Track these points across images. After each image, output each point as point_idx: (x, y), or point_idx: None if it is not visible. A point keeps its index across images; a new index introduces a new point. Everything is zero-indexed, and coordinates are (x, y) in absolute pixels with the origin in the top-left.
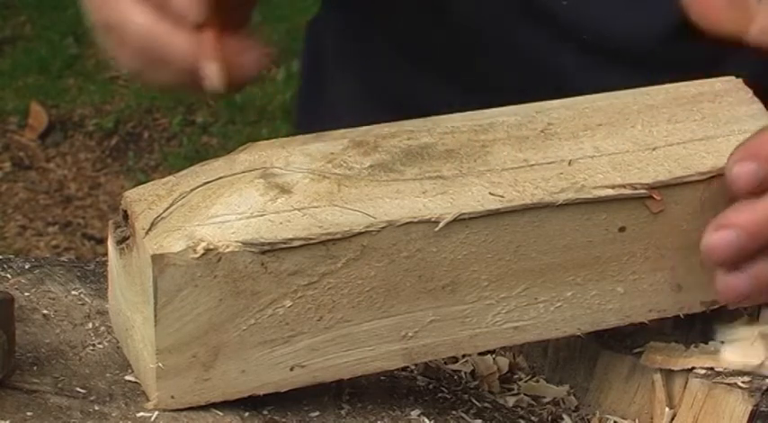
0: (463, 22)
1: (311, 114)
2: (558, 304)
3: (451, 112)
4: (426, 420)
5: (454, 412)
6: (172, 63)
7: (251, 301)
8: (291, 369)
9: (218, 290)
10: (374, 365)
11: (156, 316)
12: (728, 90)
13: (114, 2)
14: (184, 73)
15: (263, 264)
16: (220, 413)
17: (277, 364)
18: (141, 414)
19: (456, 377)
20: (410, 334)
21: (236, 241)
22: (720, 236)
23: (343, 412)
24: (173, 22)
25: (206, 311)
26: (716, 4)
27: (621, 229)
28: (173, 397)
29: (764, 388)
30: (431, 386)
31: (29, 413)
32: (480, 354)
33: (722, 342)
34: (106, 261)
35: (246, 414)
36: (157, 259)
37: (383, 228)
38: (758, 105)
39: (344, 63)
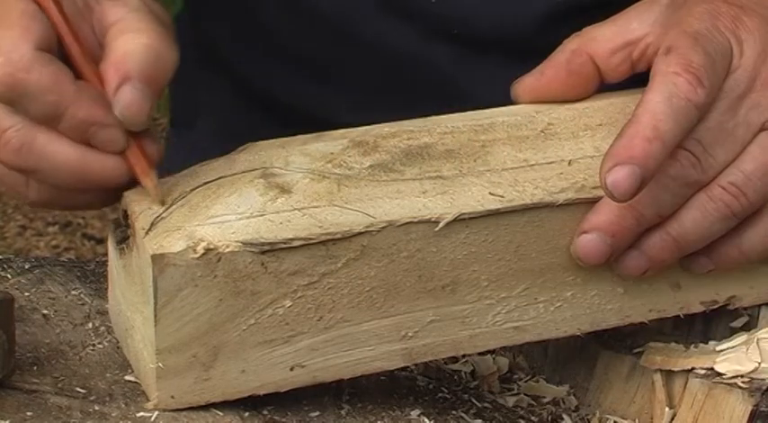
0: (325, 18)
1: (184, 115)
2: (558, 304)
3: (331, 111)
4: (426, 420)
5: (454, 412)
6: (104, 188)
7: (251, 301)
8: (291, 369)
9: (218, 290)
10: (374, 365)
11: (156, 316)
12: None
13: (29, 146)
14: (111, 192)
15: (263, 264)
16: (220, 413)
17: (277, 364)
18: (141, 414)
19: (456, 377)
20: (410, 334)
21: (236, 241)
22: (586, 240)
23: (343, 412)
24: (98, 148)
25: (206, 311)
26: (554, 83)
27: None
28: (173, 397)
29: (764, 388)
30: (431, 386)
31: (29, 413)
32: (480, 354)
33: (718, 351)
34: (106, 261)
35: (246, 414)
36: (157, 259)
37: (383, 228)
38: None
39: (208, 61)
